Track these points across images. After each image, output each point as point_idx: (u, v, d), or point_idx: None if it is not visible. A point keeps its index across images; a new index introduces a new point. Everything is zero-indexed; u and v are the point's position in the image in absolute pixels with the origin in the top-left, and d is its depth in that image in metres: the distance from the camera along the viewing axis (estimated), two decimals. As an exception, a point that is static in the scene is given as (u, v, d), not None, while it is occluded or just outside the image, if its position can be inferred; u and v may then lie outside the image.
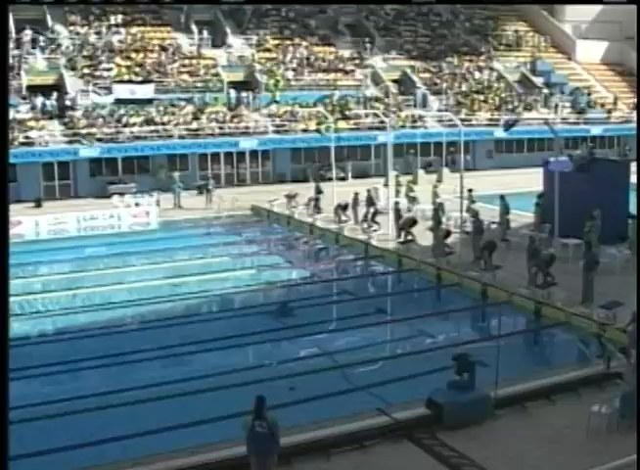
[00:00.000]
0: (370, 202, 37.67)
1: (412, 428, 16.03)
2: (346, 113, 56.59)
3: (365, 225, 36.74)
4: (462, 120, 48.95)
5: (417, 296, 28.45)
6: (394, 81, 63.19)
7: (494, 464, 14.53)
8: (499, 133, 56.07)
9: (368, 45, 65.44)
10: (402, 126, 56.83)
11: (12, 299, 28.08)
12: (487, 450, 15.10)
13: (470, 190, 36.37)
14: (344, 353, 21.62)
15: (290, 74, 59.86)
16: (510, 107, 62.62)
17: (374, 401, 17.59)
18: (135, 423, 16.89)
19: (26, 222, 41.21)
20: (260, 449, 13.15)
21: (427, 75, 64.55)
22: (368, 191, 38.43)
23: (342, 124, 54.90)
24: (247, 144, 54.06)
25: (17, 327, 25.34)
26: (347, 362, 20.64)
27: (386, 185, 42.13)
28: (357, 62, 63.84)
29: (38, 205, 46.91)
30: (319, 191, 42.45)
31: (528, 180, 43.24)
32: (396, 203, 36.89)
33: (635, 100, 64.98)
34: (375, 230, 35.92)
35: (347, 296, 28.07)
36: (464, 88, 64.20)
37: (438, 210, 34.72)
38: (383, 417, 16.36)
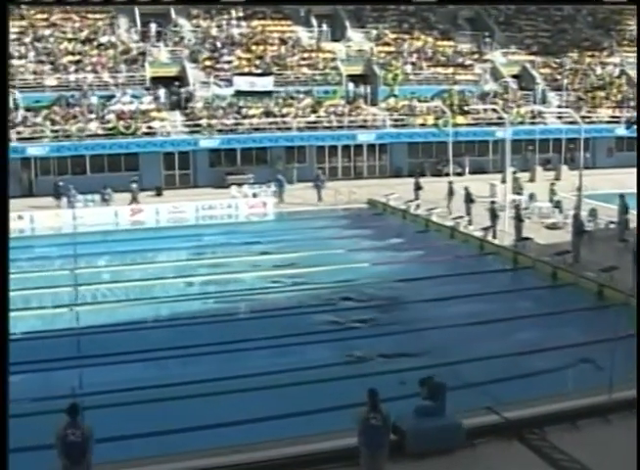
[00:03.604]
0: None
1: (522, 428, 15.78)
2: (465, 108, 56.01)
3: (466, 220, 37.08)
4: (582, 117, 47.93)
5: (531, 294, 27.94)
6: (514, 76, 62.22)
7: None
8: (620, 131, 54.82)
9: (488, 39, 64.61)
10: (521, 122, 55.97)
11: (131, 284, 29.06)
12: (599, 455, 14.71)
13: (578, 188, 35.66)
14: (454, 350, 21.41)
15: (408, 68, 59.56)
16: (632, 104, 60.91)
17: (484, 399, 17.37)
18: (242, 410, 17.07)
19: (147, 210, 42.33)
20: (374, 442, 13.13)
21: (547, 71, 63.33)
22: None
23: (460, 119, 54.42)
24: (364, 137, 54.14)
25: (133, 312, 26.00)
26: (458, 359, 20.43)
27: (503, 181, 41.62)
28: (476, 56, 63.10)
29: (159, 193, 47.97)
30: (418, 187, 43.16)
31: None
32: (492, 202, 36.68)
33: None
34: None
35: (459, 292, 27.76)
36: (585, 84, 62.77)
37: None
38: (492, 416, 16.14)
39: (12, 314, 25.73)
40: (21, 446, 15.26)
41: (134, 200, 44.28)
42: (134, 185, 44.69)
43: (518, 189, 42.28)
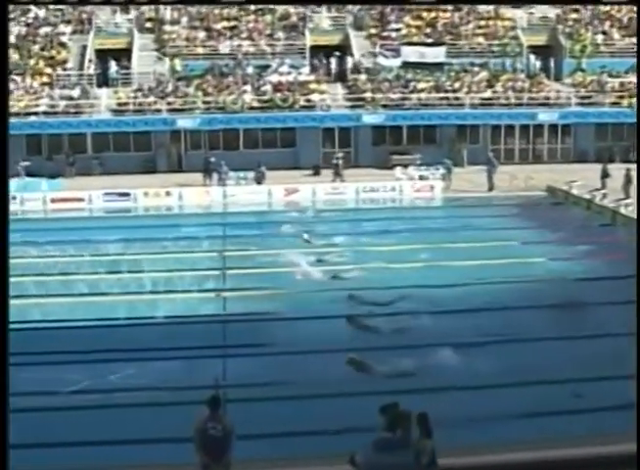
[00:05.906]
0: None
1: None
2: (665, 84, 54.36)
3: None
4: None
5: None
6: None
7: None
8: None
9: (696, 5, 62.47)
10: None
11: (280, 270, 29.45)
12: None
13: None
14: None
15: (599, 38, 58.17)
16: None
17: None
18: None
19: (303, 190, 42.95)
20: None
21: None
22: None
23: (657, 98, 52.86)
24: (546, 117, 53.26)
25: (283, 301, 26.36)
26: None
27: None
28: (681, 25, 61.07)
29: (316, 172, 48.50)
30: (605, 174, 42.48)
31: None
32: None
33: None
34: None
35: None
36: None
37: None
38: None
39: (153, 297, 26.78)
40: (159, 437, 15.88)
41: (338, 176, 45.86)
42: (340, 161, 46.11)
43: None
